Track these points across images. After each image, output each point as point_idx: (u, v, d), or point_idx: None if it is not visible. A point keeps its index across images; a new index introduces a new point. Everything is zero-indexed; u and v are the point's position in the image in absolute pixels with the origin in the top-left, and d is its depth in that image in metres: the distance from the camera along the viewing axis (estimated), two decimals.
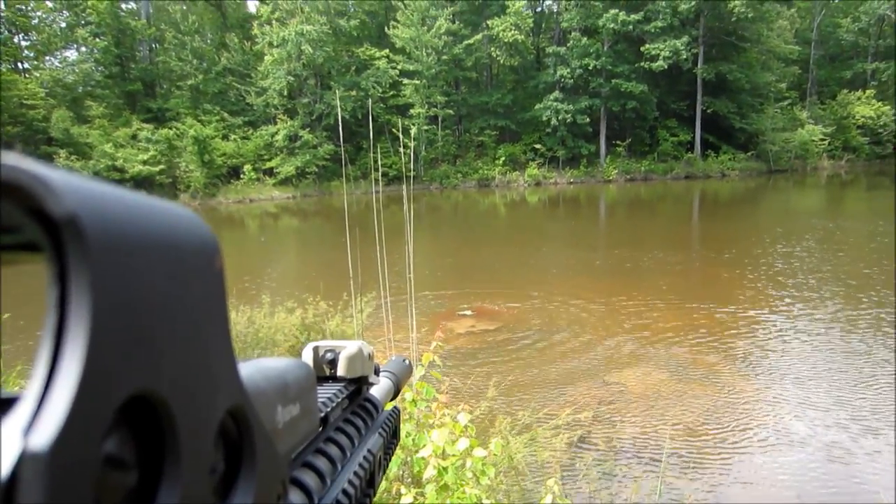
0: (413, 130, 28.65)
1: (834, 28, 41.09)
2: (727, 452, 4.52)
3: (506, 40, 33.39)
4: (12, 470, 0.13)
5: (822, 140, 35.16)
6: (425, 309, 8.31)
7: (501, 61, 35.31)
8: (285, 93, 32.24)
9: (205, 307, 0.19)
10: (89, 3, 31.61)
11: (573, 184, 33.35)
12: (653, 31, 32.55)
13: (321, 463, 0.35)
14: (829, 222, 16.30)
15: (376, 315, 5.86)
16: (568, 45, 34.25)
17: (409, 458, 2.76)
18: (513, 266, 12.07)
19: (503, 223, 21.22)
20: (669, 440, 4.54)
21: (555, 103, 33.59)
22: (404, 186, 4.54)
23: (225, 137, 32.37)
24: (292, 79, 32.10)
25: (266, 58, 32.41)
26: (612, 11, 32.53)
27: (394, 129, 27.49)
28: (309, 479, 0.33)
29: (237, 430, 0.22)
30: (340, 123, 5.85)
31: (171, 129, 30.76)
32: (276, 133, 31.90)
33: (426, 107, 33.14)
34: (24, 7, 31.64)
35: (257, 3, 35.93)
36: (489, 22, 34.28)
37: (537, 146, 34.33)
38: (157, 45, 35.24)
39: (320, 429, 0.39)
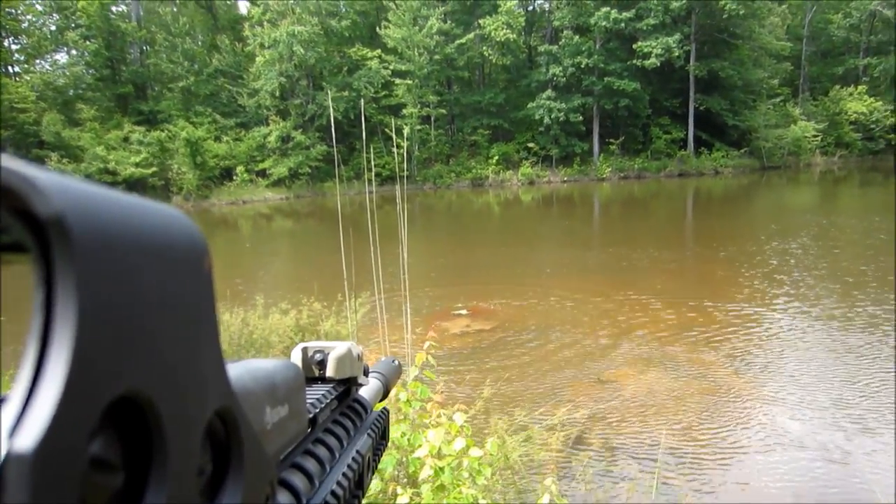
0: (406, 130, 28.33)
1: (825, 24, 40.95)
2: (724, 452, 4.50)
3: (498, 39, 33.32)
4: None
5: (815, 136, 35.07)
6: (420, 309, 8.29)
7: (494, 60, 35.15)
8: (277, 94, 32.17)
9: (193, 308, 0.19)
10: (79, 5, 31.43)
11: (567, 182, 33.30)
12: (645, 28, 32.48)
13: (310, 464, 0.35)
14: (824, 219, 16.30)
15: (371, 315, 5.85)
16: (560, 43, 34.16)
17: (404, 459, 2.76)
18: (507, 265, 12.06)
19: (497, 222, 21.21)
20: (665, 439, 4.53)
21: (547, 102, 33.51)
22: (398, 186, 4.51)
23: (217, 139, 32.19)
24: (284, 80, 32.01)
25: (257, 59, 32.33)
26: (604, 9, 32.50)
27: (386, 130, 27.32)
28: (297, 480, 0.33)
29: (225, 431, 0.22)
30: (333, 124, 5.93)
31: (162, 131, 30.62)
32: (269, 134, 31.77)
33: (419, 107, 33.07)
34: (13, 10, 31.42)
35: (248, 4, 35.78)
36: (481, 21, 34.14)
37: (530, 145, 34.27)
38: (148, 48, 35.03)
39: (309, 430, 0.38)
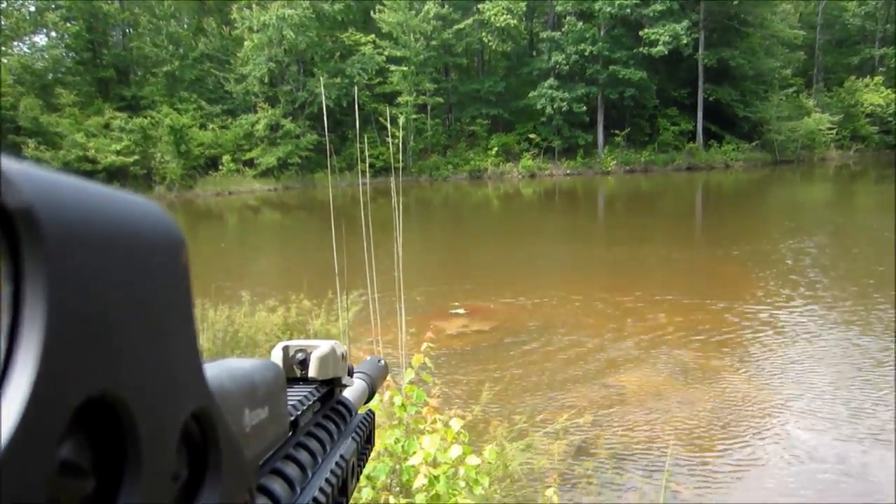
0: (401, 119, 28.11)
1: (840, 12, 40.26)
2: (735, 463, 4.43)
3: (498, 25, 32.99)
4: None
5: (830, 129, 34.55)
6: (415, 307, 8.15)
7: (493, 47, 34.85)
8: (266, 80, 31.93)
9: (169, 304, 0.19)
10: None
11: (570, 175, 33.11)
12: (651, 14, 32.02)
13: (291, 469, 0.35)
14: (841, 216, 16.41)
15: (363, 314, 5.83)
16: (563, 29, 33.72)
17: (398, 466, 2.76)
18: (507, 262, 12.02)
19: (496, 217, 21.10)
20: (674, 448, 4.45)
21: (550, 91, 33.12)
22: (392, 178, 4.45)
23: (203, 126, 31.98)
24: (273, 65, 31.75)
25: (246, 43, 32.08)
26: None
27: (381, 118, 27.20)
28: (277, 486, 0.32)
29: (202, 434, 0.22)
30: (325, 112, 5.78)
31: (145, 117, 30.26)
32: (257, 122, 31.43)
33: (414, 95, 32.73)
34: None
35: None
36: (480, 6, 33.85)
37: (532, 136, 33.84)
38: (131, 30, 34.78)
39: (290, 433, 0.38)
